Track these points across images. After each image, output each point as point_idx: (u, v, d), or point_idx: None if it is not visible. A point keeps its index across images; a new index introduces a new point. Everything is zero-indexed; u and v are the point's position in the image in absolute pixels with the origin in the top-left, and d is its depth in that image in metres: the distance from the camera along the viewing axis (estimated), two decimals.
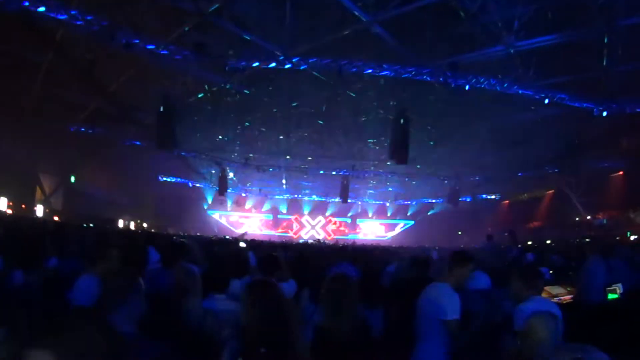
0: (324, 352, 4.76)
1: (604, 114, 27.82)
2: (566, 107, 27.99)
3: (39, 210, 36.85)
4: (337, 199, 54.29)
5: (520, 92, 26.68)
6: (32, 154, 33.99)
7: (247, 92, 31.10)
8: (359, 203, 63.37)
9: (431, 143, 39.35)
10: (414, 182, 52.57)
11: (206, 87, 30.34)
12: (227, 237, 38.93)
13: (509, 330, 5.82)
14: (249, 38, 24.00)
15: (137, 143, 38.54)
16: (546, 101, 26.86)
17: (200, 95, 31.59)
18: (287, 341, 3.87)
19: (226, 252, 13.91)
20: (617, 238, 30.21)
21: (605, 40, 23.60)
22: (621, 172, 40.36)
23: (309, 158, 46.25)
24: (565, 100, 27.29)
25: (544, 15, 22.69)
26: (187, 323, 5.19)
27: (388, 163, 39.27)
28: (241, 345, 3.94)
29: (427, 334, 6.38)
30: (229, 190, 51.19)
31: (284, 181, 55.37)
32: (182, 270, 5.98)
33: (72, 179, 41.01)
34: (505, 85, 26.31)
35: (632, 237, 30.05)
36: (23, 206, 35.51)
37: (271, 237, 52.37)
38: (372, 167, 48.56)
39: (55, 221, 31.43)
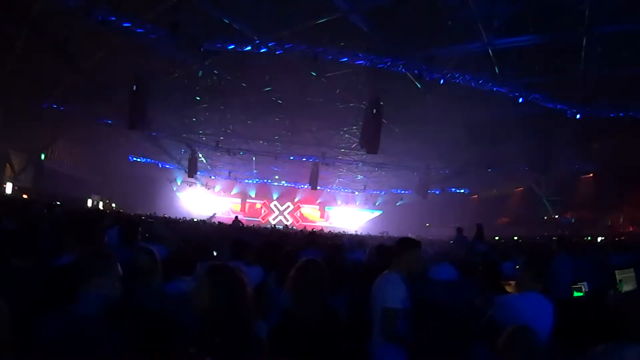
0: (290, 337, 4.75)
1: (578, 116, 28.03)
2: (540, 107, 28.14)
3: (8, 188, 36.57)
4: (306, 186, 54.30)
5: (495, 89, 26.78)
6: (3, 130, 33.70)
7: (220, 74, 30.98)
8: (328, 191, 63.44)
9: (402, 134, 39.42)
10: (383, 172, 52.54)
11: (180, 68, 30.15)
12: (195, 219, 38.88)
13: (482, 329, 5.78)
14: (225, 20, 23.89)
15: (109, 122, 38.29)
16: (520, 100, 27.00)
17: (173, 76, 31.42)
18: (245, 332, 3.80)
19: (194, 234, 13.87)
20: (585, 238, 30.46)
21: (583, 45, 23.71)
22: (591, 174, 40.71)
23: (279, 144, 46.14)
24: (539, 100, 27.46)
25: (524, 16, 22.80)
26: (143, 305, 5.02)
27: (362, 154, 39.49)
28: (195, 333, 3.78)
29: (377, 324, 6.32)
30: (198, 173, 51.11)
31: (254, 165, 55.30)
32: (140, 250, 5.87)
33: (43, 156, 40.73)
34: (480, 81, 26.41)
35: (599, 238, 30.28)
36: None
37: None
38: (342, 156, 48.66)
39: None
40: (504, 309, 5.93)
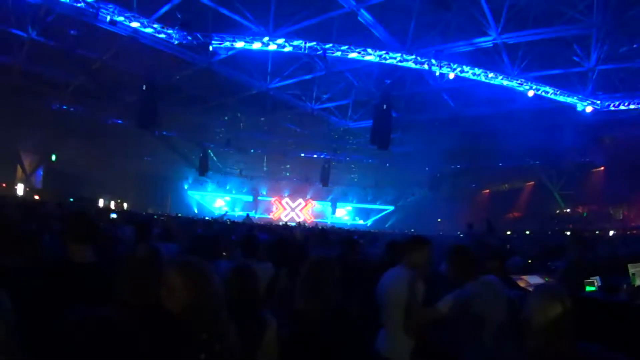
0: (301, 334, 4.73)
1: (588, 109, 27.96)
2: (550, 100, 28.08)
3: (20, 189, 36.65)
4: (318, 183, 54.30)
5: (504, 83, 26.72)
6: (13, 131, 33.75)
7: (233, 72, 31.05)
8: (340, 187, 63.38)
9: (413, 130, 39.45)
10: (394, 168, 52.44)
11: (189, 66, 30.17)
12: (207, 217, 38.87)
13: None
14: (234, 18, 23.90)
15: (119, 122, 38.37)
16: (530, 94, 26.95)
17: (183, 75, 31.46)
18: (225, 326, 3.75)
19: (205, 233, 13.86)
20: (597, 232, 30.40)
21: (593, 37, 23.66)
22: (602, 168, 40.60)
23: (290, 140, 46.15)
24: (549, 94, 27.38)
25: (533, 9, 22.76)
26: None
27: (373, 150, 39.49)
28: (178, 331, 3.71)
29: (386, 319, 6.31)
30: (209, 171, 51.07)
31: (265, 163, 55.29)
32: (145, 248, 5.87)
33: (53, 157, 40.79)
34: (489, 75, 26.35)
35: (611, 232, 30.23)
36: (4, 185, 35.33)
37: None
38: (353, 152, 48.63)
39: None
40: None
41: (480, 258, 7.41)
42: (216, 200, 62.20)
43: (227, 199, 61.48)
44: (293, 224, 46.10)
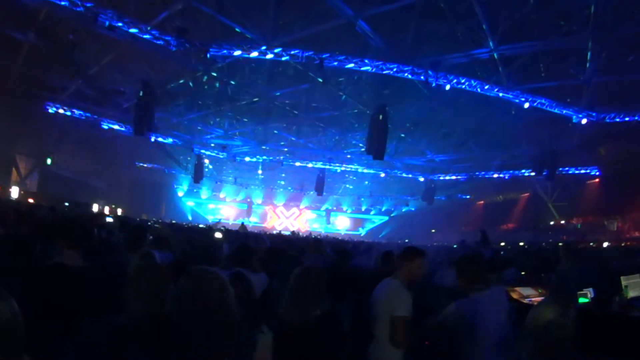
0: (286, 344, 4.74)
1: (583, 121, 27.99)
2: (546, 112, 28.12)
3: (14, 192, 36.58)
4: (312, 192, 54.23)
5: (500, 95, 26.75)
6: (9, 134, 33.72)
7: (229, 81, 31.09)
8: (334, 197, 63.40)
9: (408, 140, 39.46)
10: (389, 178, 52.38)
11: (186, 74, 30.21)
12: (201, 225, 38.83)
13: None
14: (232, 26, 23.93)
15: (115, 127, 38.32)
16: (526, 105, 26.96)
17: (180, 82, 31.50)
18: (233, 334, 3.73)
19: (199, 240, 13.82)
20: (592, 244, 30.43)
21: (589, 49, 23.70)
22: (597, 180, 40.70)
23: (286, 149, 46.12)
24: (545, 105, 27.41)
25: (529, 21, 22.82)
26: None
27: (368, 160, 39.56)
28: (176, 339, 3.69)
29: (378, 331, 6.29)
30: (204, 179, 50.97)
31: (259, 171, 55.26)
32: (141, 255, 5.87)
33: (49, 161, 40.73)
34: (486, 87, 26.38)
35: (605, 244, 30.25)
36: None
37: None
38: (348, 162, 48.56)
39: None
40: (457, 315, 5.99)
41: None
42: (210, 208, 62.34)
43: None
44: (287, 232, 46.08)
